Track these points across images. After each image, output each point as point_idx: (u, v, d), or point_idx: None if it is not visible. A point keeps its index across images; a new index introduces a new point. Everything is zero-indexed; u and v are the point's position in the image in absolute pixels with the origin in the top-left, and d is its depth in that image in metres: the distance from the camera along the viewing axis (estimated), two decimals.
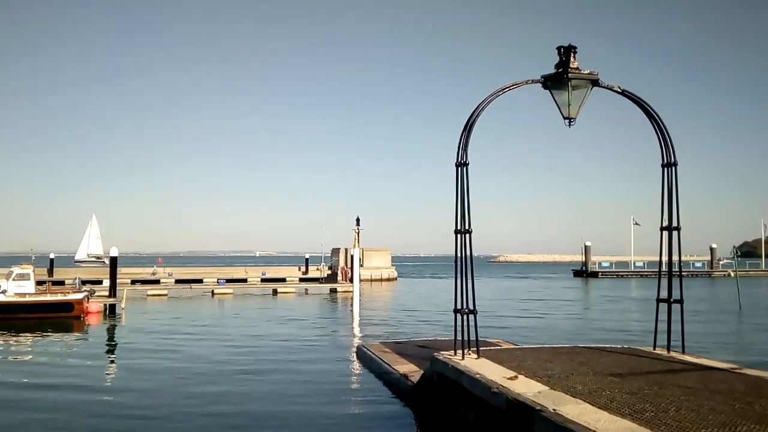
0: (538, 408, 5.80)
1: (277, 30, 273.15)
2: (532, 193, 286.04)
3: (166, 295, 38.93)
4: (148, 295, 38.24)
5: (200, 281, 46.93)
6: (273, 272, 55.37)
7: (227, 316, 27.38)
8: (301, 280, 51.85)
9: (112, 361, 16.40)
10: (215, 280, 46.53)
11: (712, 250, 79.41)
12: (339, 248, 56.54)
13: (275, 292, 41.35)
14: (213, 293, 39.61)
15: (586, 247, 76.62)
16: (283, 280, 50.72)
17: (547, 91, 9.17)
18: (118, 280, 30.97)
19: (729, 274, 63.88)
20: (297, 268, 57.58)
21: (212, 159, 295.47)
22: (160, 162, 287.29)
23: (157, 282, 47.12)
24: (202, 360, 15.28)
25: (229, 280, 46.22)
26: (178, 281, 47.47)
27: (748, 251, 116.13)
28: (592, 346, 10.62)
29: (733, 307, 30.19)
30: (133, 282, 45.12)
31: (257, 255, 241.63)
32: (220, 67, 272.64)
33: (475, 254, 9.00)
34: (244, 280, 49.82)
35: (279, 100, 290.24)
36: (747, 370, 7.93)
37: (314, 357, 15.72)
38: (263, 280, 50.30)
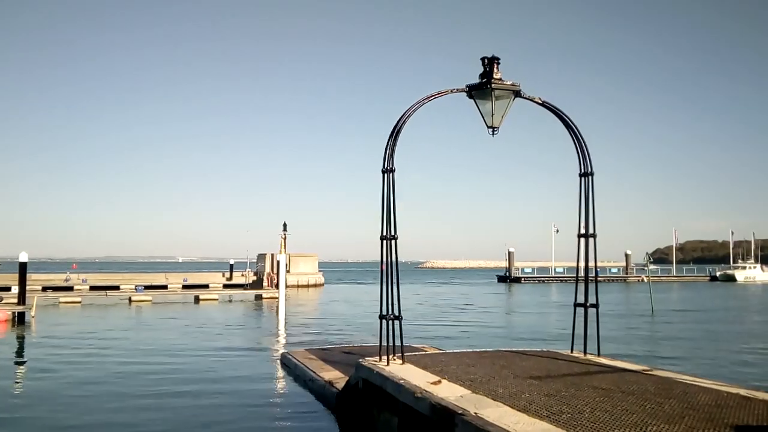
0: (459, 412, 5.87)
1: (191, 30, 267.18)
2: (458, 201, 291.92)
3: (79, 302, 37.16)
4: (60, 303, 36.36)
5: (117, 288, 45.02)
6: (195, 278, 53.85)
7: (143, 325, 26.30)
8: (225, 286, 50.71)
9: None
10: (133, 286, 44.76)
11: (627, 256, 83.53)
12: (265, 254, 55.73)
13: (197, 299, 40.17)
14: (130, 301, 38.09)
15: (509, 253, 78.95)
16: (206, 286, 49.42)
17: (472, 100, 9.34)
18: (27, 287, 29.21)
19: (642, 280, 67.28)
20: (221, 274, 56.30)
21: (131, 161, 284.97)
22: (74, 162, 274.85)
23: (70, 289, 44.79)
24: (101, 379, 13.41)
25: (147, 287, 44.46)
26: (92, 288, 45.39)
27: (660, 258, 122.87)
28: (514, 350, 10.88)
29: (646, 310, 31.80)
30: (45, 289, 42.71)
31: (180, 261, 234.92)
32: (135, 66, 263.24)
33: (401, 260, 9.04)
34: (165, 287, 48.10)
35: (201, 102, 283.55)
36: (657, 371, 8.32)
37: (236, 366, 15.25)
38: (185, 287, 48.71)
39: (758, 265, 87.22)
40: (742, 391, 6.83)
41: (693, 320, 28.47)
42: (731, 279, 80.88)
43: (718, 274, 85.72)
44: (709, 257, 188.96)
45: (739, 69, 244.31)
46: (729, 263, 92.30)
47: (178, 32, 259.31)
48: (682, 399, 6.39)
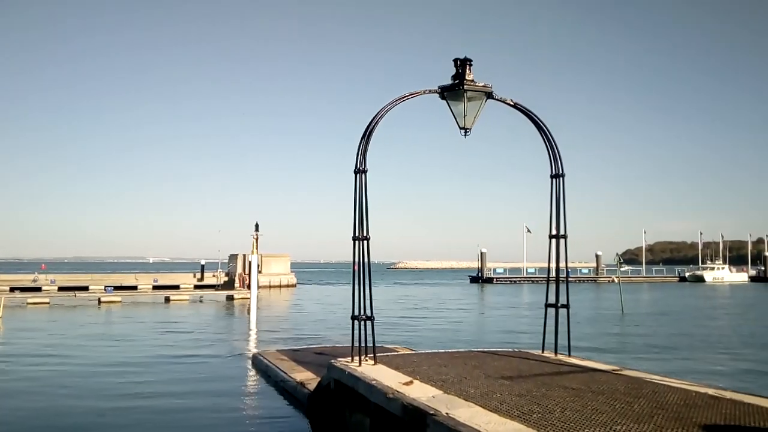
0: (431, 412, 5.85)
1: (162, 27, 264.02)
2: (431, 202, 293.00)
3: (48, 303, 36.40)
4: (28, 304, 35.58)
5: (86, 289, 44.23)
6: (166, 279, 53.14)
7: (111, 326, 25.84)
8: (197, 287, 50.18)
9: None
10: (102, 287, 44.04)
11: (597, 257, 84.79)
12: (237, 254, 55.25)
13: (168, 299, 39.65)
14: (99, 301, 37.44)
15: (482, 253, 79.52)
16: (176, 287, 48.80)
17: (445, 101, 9.35)
18: None
19: (613, 280, 68.28)
20: (192, 274, 55.62)
21: (102, 161, 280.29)
22: (43, 161, 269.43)
23: (38, 290, 43.90)
24: (68, 382, 12.89)
25: (117, 288, 43.85)
26: (61, 288, 44.53)
27: (630, 258, 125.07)
28: (485, 350, 10.91)
29: (616, 311, 32.27)
30: (12, 290, 41.88)
31: (150, 261, 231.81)
32: (103, 65, 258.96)
33: (374, 261, 9.02)
34: (135, 288, 47.43)
35: (172, 103, 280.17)
36: (627, 371, 8.40)
37: (206, 367, 15.03)
38: (155, 288, 48.10)
39: (726, 266, 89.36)
40: (711, 391, 6.93)
41: (662, 320, 28.96)
42: (700, 279, 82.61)
43: (687, 274, 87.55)
44: (678, 258, 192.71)
45: (708, 70, 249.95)
46: (698, 264, 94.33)
47: (143, 33, 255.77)
48: (652, 398, 6.46)
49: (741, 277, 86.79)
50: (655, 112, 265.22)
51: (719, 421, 5.50)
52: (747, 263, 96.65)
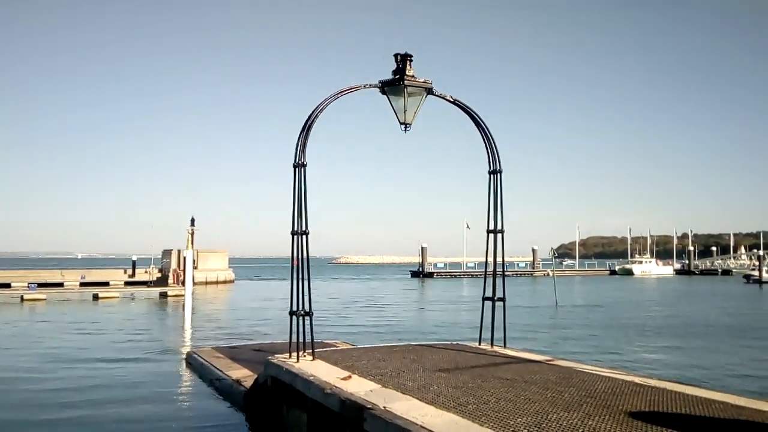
0: (368, 406, 5.85)
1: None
2: (372, 197, 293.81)
3: None
4: None
5: (8, 286, 42.11)
6: (95, 275, 51.07)
7: (33, 326, 24.57)
8: (128, 284, 48.47)
9: None
10: (25, 284, 41.98)
11: (533, 251, 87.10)
12: (171, 250, 53.78)
13: (96, 297, 38.12)
14: (22, 299, 35.67)
15: (423, 248, 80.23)
16: (106, 284, 47.00)
17: (385, 96, 9.35)
18: None
19: (548, 274, 70.30)
20: (123, 270, 53.72)
21: (24, 152, 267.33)
22: None
23: None
24: None
25: (42, 285, 41.75)
26: None
27: (564, 252, 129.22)
28: (424, 343, 11.02)
29: (550, 303, 33.24)
30: None
31: (79, 257, 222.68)
32: (33, 56, 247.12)
33: (315, 256, 8.94)
34: (61, 285, 45.38)
35: (103, 94, 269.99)
36: (559, 361, 8.66)
37: (137, 368, 14.40)
38: (83, 284, 46.08)
39: (653, 260, 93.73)
40: (637, 379, 7.21)
41: (594, 312, 29.99)
42: (629, 273, 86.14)
43: (617, 268, 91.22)
44: (609, 252, 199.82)
45: (642, 69, 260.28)
46: (627, 258, 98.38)
47: (66, 25, 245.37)
48: (581, 387, 6.67)
49: (667, 270, 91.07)
50: (587, 112, 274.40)
51: (644, 408, 5.73)
52: (672, 257, 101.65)
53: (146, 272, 51.34)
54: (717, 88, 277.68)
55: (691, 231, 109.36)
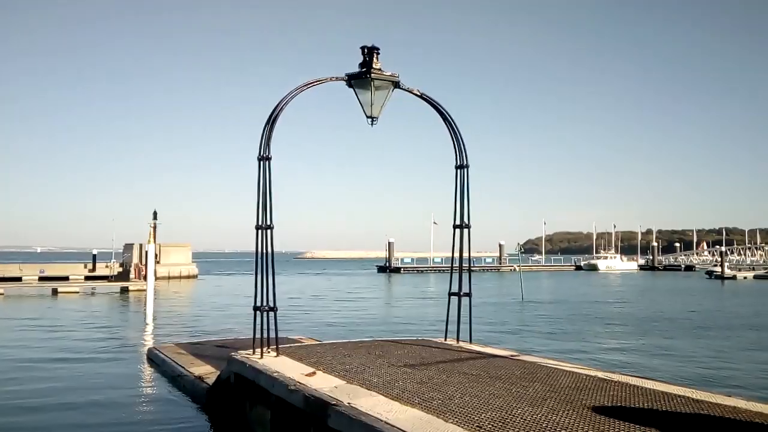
0: (333, 403, 5.78)
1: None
2: (339, 191, 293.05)
3: None
4: None
5: None
6: (54, 270, 49.81)
7: None
8: (88, 278, 47.36)
9: None
10: None
11: (500, 246, 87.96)
12: (132, 244, 52.82)
13: (55, 291, 37.26)
14: None
15: (389, 243, 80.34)
16: (66, 278, 45.82)
17: (352, 89, 9.24)
18: None
19: (515, 269, 71.05)
20: (83, 265, 52.50)
21: None
22: None
23: None
24: None
25: None
26: None
27: (531, 248, 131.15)
28: (390, 339, 10.98)
29: (516, 298, 33.58)
30: None
31: (38, 251, 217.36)
32: None
33: (281, 250, 8.88)
34: (19, 279, 44.22)
35: (63, 85, 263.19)
36: (524, 356, 8.69)
37: (96, 365, 14.04)
38: (41, 279, 45.02)
39: (618, 256, 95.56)
40: (600, 374, 7.28)
41: (559, 307, 30.38)
42: (594, 268, 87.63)
43: (582, 263, 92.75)
44: (575, 248, 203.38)
45: (609, 67, 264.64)
46: (592, 253, 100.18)
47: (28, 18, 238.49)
48: (546, 382, 6.70)
49: (631, 265, 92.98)
50: (554, 109, 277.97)
51: (607, 403, 5.78)
52: (637, 253, 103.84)
53: (107, 266, 50.30)
54: (679, 85, 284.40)
55: (655, 227, 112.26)
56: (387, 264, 79.56)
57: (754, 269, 74.56)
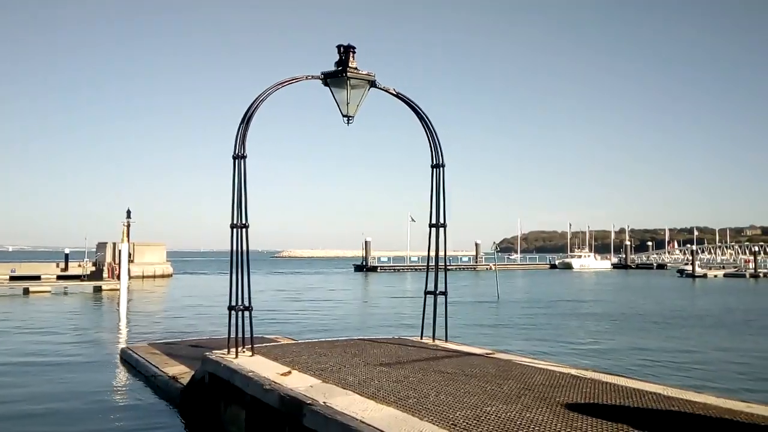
0: (308, 402, 5.76)
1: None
2: (316, 190, 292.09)
3: None
4: None
5: None
6: (26, 269, 48.78)
7: None
8: (60, 277, 46.55)
9: None
10: None
11: (477, 245, 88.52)
12: (106, 243, 52.02)
13: (27, 291, 36.60)
14: None
15: (366, 242, 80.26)
16: (37, 278, 44.94)
17: (328, 88, 9.22)
18: None
19: (491, 268, 71.53)
20: (55, 264, 51.61)
21: None
22: None
23: None
24: None
25: None
26: None
27: (507, 247, 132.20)
28: (366, 338, 10.97)
29: (492, 297, 33.79)
30: None
31: (9, 249, 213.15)
32: None
33: (258, 249, 8.84)
34: None
35: (32, 82, 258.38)
36: (499, 354, 8.75)
37: (69, 365, 13.81)
38: (13, 278, 44.10)
39: (591, 254, 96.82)
40: (573, 371, 7.36)
41: (533, 305, 30.66)
42: (568, 267, 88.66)
43: (557, 262, 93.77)
44: (550, 246, 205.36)
45: (581, 68, 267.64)
46: (567, 252, 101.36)
47: None
48: (520, 380, 6.76)
49: (604, 264, 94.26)
50: (529, 109, 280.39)
51: (580, 400, 5.84)
52: (610, 251, 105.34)
53: (80, 266, 49.55)
54: (650, 85, 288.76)
55: (628, 226, 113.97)
56: (364, 263, 79.49)
57: (724, 268, 75.99)
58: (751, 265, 69.40)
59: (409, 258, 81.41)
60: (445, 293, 9.80)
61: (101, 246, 53.71)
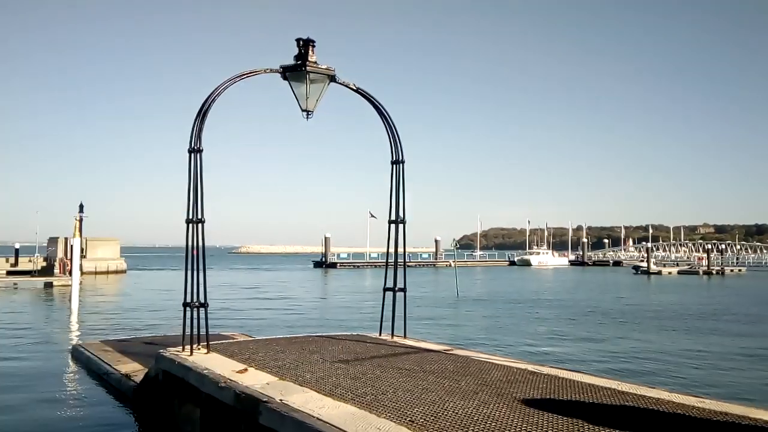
0: (264, 399, 5.67)
1: None
2: (275, 185, 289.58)
3: None
4: None
5: None
6: None
7: None
8: (10, 273, 45.21)
9: None
10: None
11: (437, 242, 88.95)
12: (57, 237, 50.57)
13: None
14: None
15: (326, 238, 79.82)
16: None
17: (287, 82, 9.08)
18: None
19: (450, 265, 72.06)
20: (5, 259, 50.03)
21: None
22: None
23: None
24: None
25: None
26: None
27: (467, 243, 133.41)
28: (324, 334, 10.88)
29: (451, 293, 34.03)
30: None
31: None
32: None
33: (215, 245, 8.70)
34: None
35: None
36: (457, 350, 8.79)
37: (17, 363, 13.37)
38: None
39: (549, 251, 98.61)
40: (530, 367, 7.43)
41: (492, 302, 31.00)
42: (527, 263, 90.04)
43: (516, 259, 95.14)
44: (509, 243, 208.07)
45: (540, 63, 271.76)
46: (526, 249, 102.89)
47: None
48: (477, 376, 6.79)
49: (562, 261, 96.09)
50: (488, 107, 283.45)
51: (537, 396, 5.90)
52: (568, 248, 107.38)
53: (30, 261, 48.18)
54: (609, 84, 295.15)
55: (586, 224, 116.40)
56: (323, 259, 79.07)
57: (678, 265, 78.34)
58: (704, 262, 71.71)
59: (369, 254, 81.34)
60: (404, 290, 9.80)
61: (52, 241, 52.21)
